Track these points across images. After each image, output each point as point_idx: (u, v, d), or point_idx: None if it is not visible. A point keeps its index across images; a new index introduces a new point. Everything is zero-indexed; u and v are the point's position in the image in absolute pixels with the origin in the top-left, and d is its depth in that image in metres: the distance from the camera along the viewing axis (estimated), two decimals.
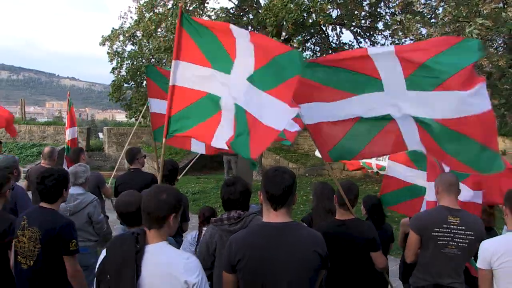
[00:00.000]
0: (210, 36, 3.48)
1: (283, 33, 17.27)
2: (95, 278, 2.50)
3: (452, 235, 3.58)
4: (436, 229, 3.60)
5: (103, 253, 2.54)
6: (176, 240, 4.64)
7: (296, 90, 3.32)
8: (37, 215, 3.42)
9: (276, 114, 3.19)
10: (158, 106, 5.56)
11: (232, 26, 3.45)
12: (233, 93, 3.45)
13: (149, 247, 2.40)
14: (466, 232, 3.57)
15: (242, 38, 3.44)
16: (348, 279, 3.72)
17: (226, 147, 3.47)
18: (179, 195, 2.54)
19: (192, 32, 3.49)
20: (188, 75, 3.51)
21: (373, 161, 11.98)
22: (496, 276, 3.20)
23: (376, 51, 3.40)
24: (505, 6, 6.26)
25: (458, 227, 3.58)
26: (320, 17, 14.95)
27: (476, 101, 3.07)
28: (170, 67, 4.03)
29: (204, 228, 3.94)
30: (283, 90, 3.17)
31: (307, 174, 16.13)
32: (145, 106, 5.67)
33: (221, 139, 3.48)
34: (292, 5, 13.96)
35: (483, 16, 6.88)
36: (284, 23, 14.68)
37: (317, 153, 14.74)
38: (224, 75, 3.47)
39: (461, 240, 3.58)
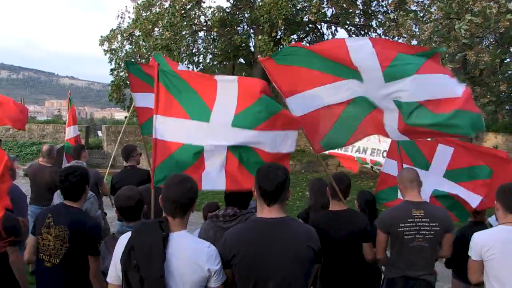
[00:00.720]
0: (186, 87, 3.59)
1: (278, 32, 17.29)
2: (120, 269, 2.46)
3: (417, 228, 3.60)
4: (402, 225, 3.63)
5: (121, 241, 2.53)
6: None
7: (280, 83, 3.63)
8: (64, 213, 3.35)
9: (276, 141, 3.51)
10: (142, 99, 5.52)
11: (218, 79, 3.63)
12: (218, 140, 3.58)
13: (173, 234, 2.44)
14: (430, 224, 3.60)
15: (224, 83, 3.62)
16: (343, 270, 3.72)
17: (222, 188, 3.58)
18: (196, 184, 2.60)
19: (168, 86, 3.58)
20: (167, 128, 3.59)
21: (367, 156, 11.96)
22: (486, 266, 3.24)
23: (353, 43, 3.53)
24: (494, 2, 6.28)
25: (423, 220, 3.60)
26: (312, 14, 15.02)
27: (452, 86, 3.38)
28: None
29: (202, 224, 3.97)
30: (276, 121, 3.45)
31: (303, 171, 16.16)
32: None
33: (211, 183, 3.60)
34: (283, 2, 14.05)
35: (474, 13, 6.91)
36: (276, 20, 14.74)
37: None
38: (203, 123, 3.58)
39: (427, 232, 3.60)
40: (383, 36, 16.72)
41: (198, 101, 3.58)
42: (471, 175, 4.47)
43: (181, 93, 3.59)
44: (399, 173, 3.95)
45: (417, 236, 3.61)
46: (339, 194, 3.77)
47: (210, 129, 3.59)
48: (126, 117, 20.92)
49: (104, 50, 18.43)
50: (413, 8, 8.97)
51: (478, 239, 3.31)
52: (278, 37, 16.93)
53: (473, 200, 4.39)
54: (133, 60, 18.06)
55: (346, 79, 3.63)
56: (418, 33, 8.10)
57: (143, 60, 17.65)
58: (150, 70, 4.70)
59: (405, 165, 4.62)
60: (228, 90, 3.59)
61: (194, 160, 3.60)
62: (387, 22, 12.10)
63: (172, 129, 3.59)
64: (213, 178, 3.60)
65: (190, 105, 3.58)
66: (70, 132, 7.73)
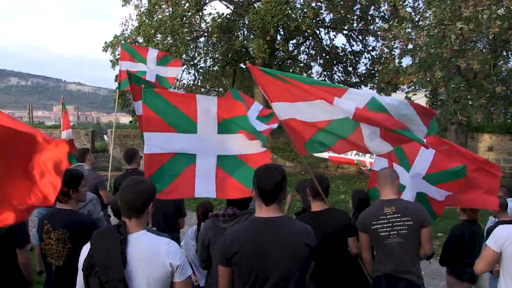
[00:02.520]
0: (168, 106, 3.74)
1: (278, 37, 17.33)
2: (82, 275, 2.49)
3: (390, 224, 3.59)
4: (374, 222, 3.63)
5: (85, 249, 2.54)
6: (174, 236, 4.65)
7: (266, 88, 3.82)
8: (58, 217, 3.37)
9: (252, 144, 3.75)
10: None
11: (197, 95, 3.85)
12: (208, 149, 3.76)
13: (132, 236, 2.46)
14: (402, 219, 3.57)
15: (203, 98, 3.86)
16: (332, 268, 3.72)
17: (213, 196, 3.73)
18: (154, 185, 2.66)
19: (152, 105, 3.72)
20: (157, 142, 3.71)
21: (367, 159, 11.98)
22: (503, 260, 3.15)
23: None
24: (485, 8, 6.28)
25: (394, 215, 3.59)
26: (305, 25, 15.18)
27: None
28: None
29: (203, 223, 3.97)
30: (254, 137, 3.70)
31: (303, 172, 16.16)
32: None
33: (204, 189, 3.74)
34: (275, 10, 14.23)
35: (468, 18, 6.90)
36: (271, 27, 14.89)
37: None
38: (192, 135, 3.75)
39: (400, 228, 3.58)
40: (380, 41, 16.74)
41: (181, 115, 3.73)
42: (449, 176, 4.45)
43: (164, 110, 3.72)
44: (377, 173, 3.97)
45: (391, 232, 3.60)
46: (321, 194, 3.76)
47: (199, 139, 3.75)
48: (130, 121, 21.03)
49: (111, 61, 18.54)
50: (408, 11, 8.94)
51: (503, 230, 3.20)
52: (277, 42, 16.98)
53: (441, 196, 4.42)
54: None
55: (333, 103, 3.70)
56: (414, 36, 8.08)
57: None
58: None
59: (394, 164, 4.63)
60: (208, 102, 3.82)
61: (186, 166, 3.71)
62: (381, 31, 12.14)
63: (162, 142, 3.71)
64: (205, 186, 3.72)
65: (175, 119, 3.72)
66: (65, 136, 7.69)
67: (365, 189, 4.97)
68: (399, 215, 3.58)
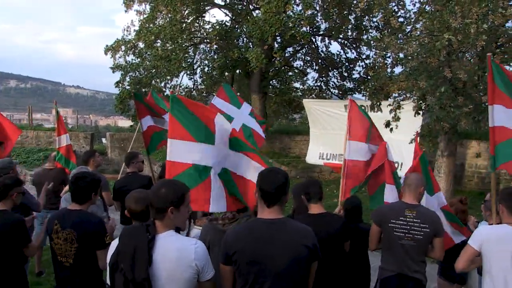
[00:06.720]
0: (190, 115, 3.81)
1: (276, 45, 17.47)
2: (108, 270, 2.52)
3: (408, 227, 3.70)
4: (393, 221, 3.73)
5: (113, 245, 2.57)
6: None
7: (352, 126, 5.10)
8: (68, 217, 3.42)
9: (250, 169, 3.83)
10: (147, 123, 6.01)
11: (218, 114, 3.96)
12: (221, 160, 3.82)
13: (159, 235, 2.47)
14: (421, 225, 3.68)
15: (221, 117, 3.98)
16: (326, 271, 3.73)
17: (224, 209, 3.74)
18: (179, 190, 2.57)
19: (175, 113, 3.78)
20: (178, 150, 3.75)
21: None
22: (483, 259, 3.26)
23: None
24: (473, 22, 6.44)
25: (414, 220, 3.69)
26: (299, 34, 15.38)
27: None
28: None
29: (193, 225, 4.07)
30: (254, 157, 3.85)
31: (298, 176, 16.20)
32: None
33: (218, 203, 3.72)
34: (273, 20, 14.41)
35: (458, 29, 7.05)
36: (270, 37, 15.09)
37: (307, 158, 14.86)
38: (210, 146, 3.79)
39: (416, 232, 3.69)
40: (373, 51, 16.86)
41: (201, 125, 3.78)
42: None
43: (186, 119, 3.78)
44: (405, 176, 4.06)
45: (407, 235, 3.70)
46: (316, 197, 3.85)
47: (216, 151, 3.79)
48: (131, 125, 21.07)
49: (111, 67, 18.61)
50: (400, 22, 9.08)
51: (484, 230, 3.34)
52: (274, 50, 17.12)
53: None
54: (137, 71, 18.32)
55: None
56: (405, 46, 8.19)
57: (146, 72, 17.90)
58: (150, 99, 6.16)
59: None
60: (224, 121, 3.97)
61: (202, 180, 3.72)
62: (374, 41, 12.28)
63: (182, 151, 3.74)
64: (219, 200, 3.73)
65: (194, 129, 3.77)
66: (62, 141, 7.42)
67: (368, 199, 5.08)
68: (419, 221, 3.69)
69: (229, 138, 3.86)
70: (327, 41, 19.76)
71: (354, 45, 19.39)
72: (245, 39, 18.53)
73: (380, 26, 16.46)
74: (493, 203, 3.96)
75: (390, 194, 4.57)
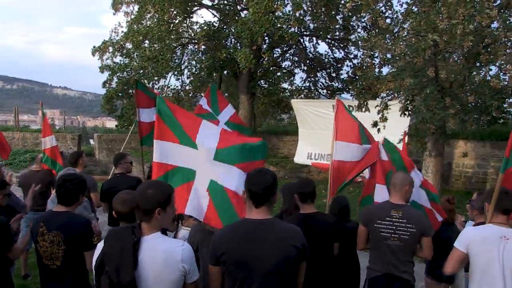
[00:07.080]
0: (174, 119, 3.81)
1: (264, 46, 17.45)
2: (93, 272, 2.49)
3: (394, 227, 3.71)
4: (379, 221, 3.74)
5: (99, 247, 2.54)
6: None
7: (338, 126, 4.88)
8: (54, 220, 3.37)
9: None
10: (146, 115, 5.88)
11: (203, 121, 3.96)
12: (205, 169, 3.74)
13: (145, 238, 2.45)
14: (407, 225, 3.69)
15: (208, 124, 3.97)
16: (316, 271, 3.76)
17: (201, 218, 3.67)
18: (166, 191, 2.56)
19: (161, 114, 3.78)
20: (163, 151, 3.75)
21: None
22: (470, 260, 3.26)
23: None
24: (459, 23, 6.51)
25: (400, 220, 3.70)
26: (287, 35, 15.40)
27: None
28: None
29: (181, 226, 4.04)
30: (252, 166, 3.63)
31: (286, 177, 16.24)
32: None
33: (196, 209, 3.68)
34: (263, 20, 14.42)
35: (444, 30, 7.10)
36: (259, 37, 15.10)
37: (296, 159, 14.87)
38: (192, 150, 3.77)
39: (403, 232, 3.70)
40: (360, 51, 16.97)
41: (183, 132, 3.78)
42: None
43: (170, 121, 3.77)
44: (392, 175, 4.11)
45: (393, 235, 3.71)
46: (310, 197, 3.87)
47: (199, 156, 3.76)
48: (116, 126, 20.87)
49: (99, 67, 18.46)
50: (387, 23, 9.12)
51: (469, 232, 3.34)
52: (263, 51, 17.10)
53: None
54: (125, 72, 18.14)
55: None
56: (392, 47, 8.23)
57: (134, 73, 17.75)
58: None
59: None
60: (210, 129, 3.92)
61: (184, 182, 3.70)
62: (360, 42, 12.38)
63: (167, 152, 3.74)
64: (196, 206, 3.68)
65: (178, 133, 3.76)
66: (47, 143, 7.35)
67: (359, 198, 5.07)
68: (405, 221, 3.69)
69: (216, 149, 3.77)
70: (315, 41, 19.80)
71: (341, 45, 19.46)
72: (233, 39, 18.49)
73: (367, 26, 16.52)
74: (493, 203, 3.96)
75: (379, 194, 4.57)
